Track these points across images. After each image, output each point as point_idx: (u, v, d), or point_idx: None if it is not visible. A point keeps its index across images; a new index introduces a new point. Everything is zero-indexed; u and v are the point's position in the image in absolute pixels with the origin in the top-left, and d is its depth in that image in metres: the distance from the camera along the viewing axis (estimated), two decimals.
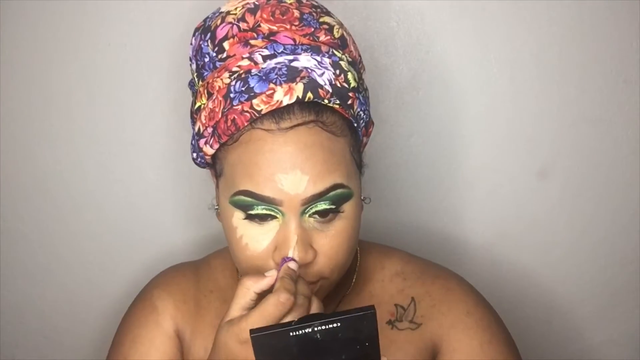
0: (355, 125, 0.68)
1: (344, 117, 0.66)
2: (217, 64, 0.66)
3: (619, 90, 0.93)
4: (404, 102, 0.95)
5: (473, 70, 0.94)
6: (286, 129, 0.63)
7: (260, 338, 0.53)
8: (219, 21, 0.67)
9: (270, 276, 0.62)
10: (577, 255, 0.99)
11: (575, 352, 1.03)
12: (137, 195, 1.00)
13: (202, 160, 0.72)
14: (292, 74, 0.63)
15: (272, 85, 0.63)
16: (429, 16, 0.92)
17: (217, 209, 0.72)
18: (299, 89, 0.62)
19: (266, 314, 0.57)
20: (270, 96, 0.62)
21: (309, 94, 0.63)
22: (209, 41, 0.67)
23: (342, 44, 0.68)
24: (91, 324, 1.04)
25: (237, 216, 0.66)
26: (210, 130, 0.66)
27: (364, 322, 0.53)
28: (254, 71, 0.63)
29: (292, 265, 0.63)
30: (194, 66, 0.70)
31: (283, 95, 0.62)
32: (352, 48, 0.69)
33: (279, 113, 0.63)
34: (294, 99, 0.62)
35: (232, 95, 0.64)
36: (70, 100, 0.97)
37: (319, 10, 0.68)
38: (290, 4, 0.67)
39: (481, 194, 0.98)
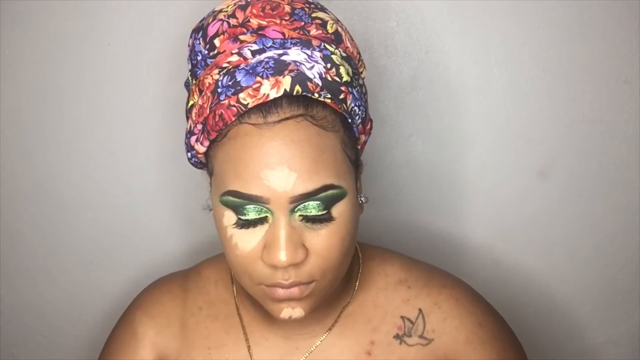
0: (350, 120, 0.65)
1: (336, 112, 0.64)
2: (209, 61, 0.65)
3: (619, 90, 0.93)
4: (404, 102, 0.95)
5: (473, 70, 0.94)
6: (273, 123, 0.61)
7: None
8: (210, 19, 0.66)
9: None
10: (577, 255, 0.99)
11: (575, 352, 1.03)
12: (137, 195, 1.00)
13: (196, 160, 0.70)
14: (279, 67, 0.61)
15: (258, 79, 0.61)
16: (429, 16, 0.92)
17: (212, 210, 0.70)
18: (286, 82, 0.61)
19: None
20: (257, 89, 0.61)
21: (297, 87, 0.61)
22: (201, 39, 0.66)
23: (336, 39, 0.66)
24: (91, 324, 1.04)
25: (228, 216, 0.64)
26: (200, 127, 0.65)
27: None
28: (242, 66, 0.62)
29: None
30: (189, 66, 0.69)
31: (270, 89, 0.61)
32: (348, 44, 0.67)
33: (266, 107, 0.61)
34: (281, 92, 0.61)
35: (219, 90, 0.62)
36: (70, 100, 0.97)
37: (312, 6, 0.67)
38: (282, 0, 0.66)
39: (481, 194, 0.98)
